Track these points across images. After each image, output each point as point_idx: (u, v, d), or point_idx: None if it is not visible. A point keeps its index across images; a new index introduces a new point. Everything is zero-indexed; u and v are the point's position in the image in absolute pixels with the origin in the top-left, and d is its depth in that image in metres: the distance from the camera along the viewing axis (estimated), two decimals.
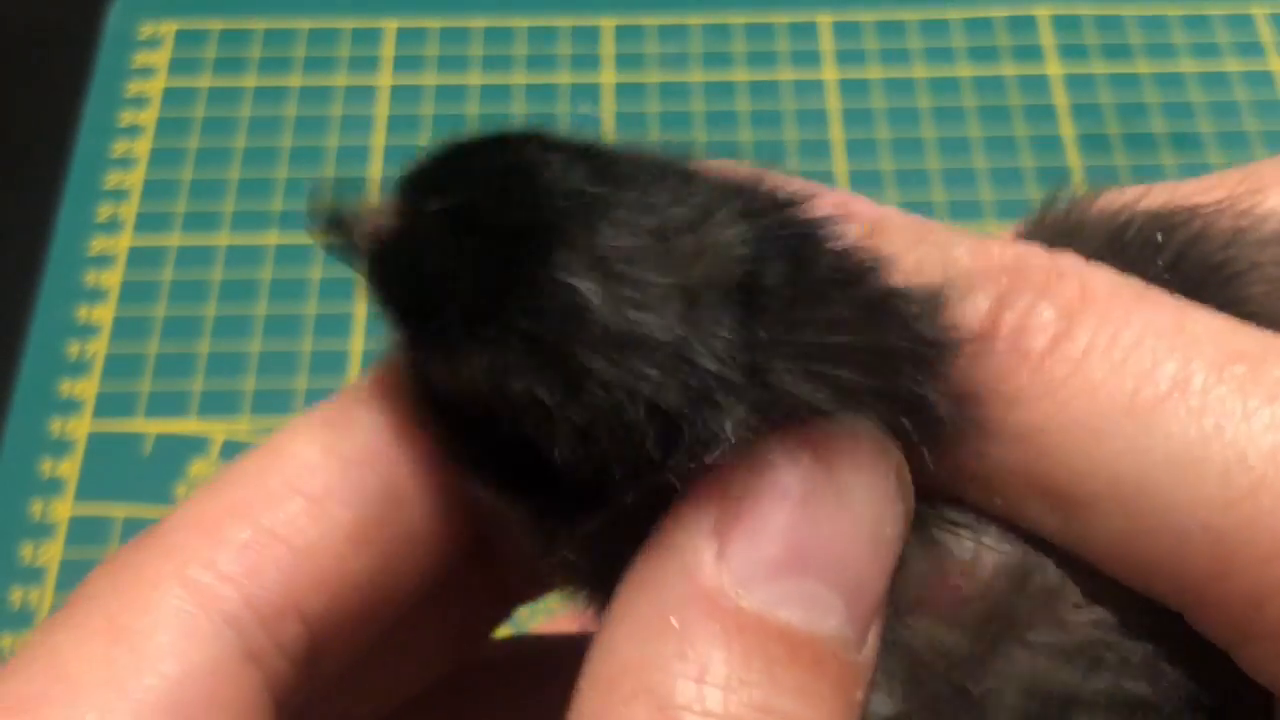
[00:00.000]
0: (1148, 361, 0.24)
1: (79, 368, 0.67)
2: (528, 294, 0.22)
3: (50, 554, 0.62)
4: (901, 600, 0.25)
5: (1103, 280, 0.25)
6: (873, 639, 0.24)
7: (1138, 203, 0.28)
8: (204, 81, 0.78)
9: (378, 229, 0.24)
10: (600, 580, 0.25)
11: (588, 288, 0.22)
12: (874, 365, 0.23)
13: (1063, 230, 0.28)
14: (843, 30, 0.80)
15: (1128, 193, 0.28)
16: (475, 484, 0.26)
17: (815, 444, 0.23)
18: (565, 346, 0.22)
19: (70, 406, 0.66)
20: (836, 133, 0.75)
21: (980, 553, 0.25)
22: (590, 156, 0.24)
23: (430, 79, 0.78)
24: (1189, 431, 0.23)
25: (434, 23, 0.80)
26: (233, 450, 0.65)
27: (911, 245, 0.26)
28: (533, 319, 0.22)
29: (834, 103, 0.77)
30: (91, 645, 0.25)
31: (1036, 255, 0.26)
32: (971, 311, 0.25)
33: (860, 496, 0.23)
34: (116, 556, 0.26)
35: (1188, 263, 0.27)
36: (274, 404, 0.66)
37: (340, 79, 0.78)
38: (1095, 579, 0.25)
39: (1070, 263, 0.26)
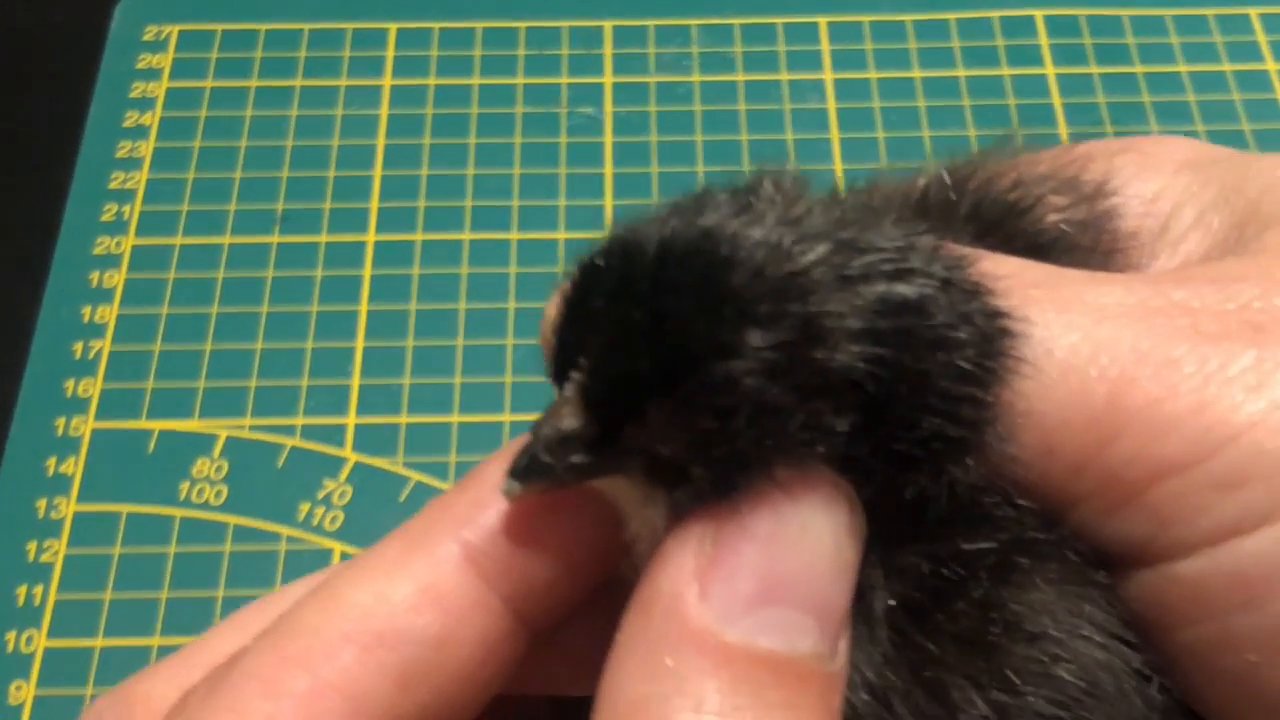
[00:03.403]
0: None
1: (84, 367, 0.68)
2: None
3: (55, 551, 0.62)
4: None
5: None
6: (843, 648, 0.27)
7: (932, 171, 0.33)
8: (208, 82, 0.79)
9: None
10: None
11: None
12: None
13: (872, 207, 0.32)
14: (841, 31, 0.80)
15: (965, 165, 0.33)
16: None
17: (775, 489, 0.26)
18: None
19: (75, 405, 0.67)
20: (834, 133, 0.76)
21: None
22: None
23: (431, 80, 0.79)
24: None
25: (435, 24, 0.81)
26: (236, 449, 0.65)
27: None
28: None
29: (832, 103, 0.77)
30: None
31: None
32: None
33: (818, 529, 0.26)
34: (185, 709, 0.29)
35: (984, 207, 0.32)
36: (277, 402, 0.67)
37: (342, 80, 0.79)
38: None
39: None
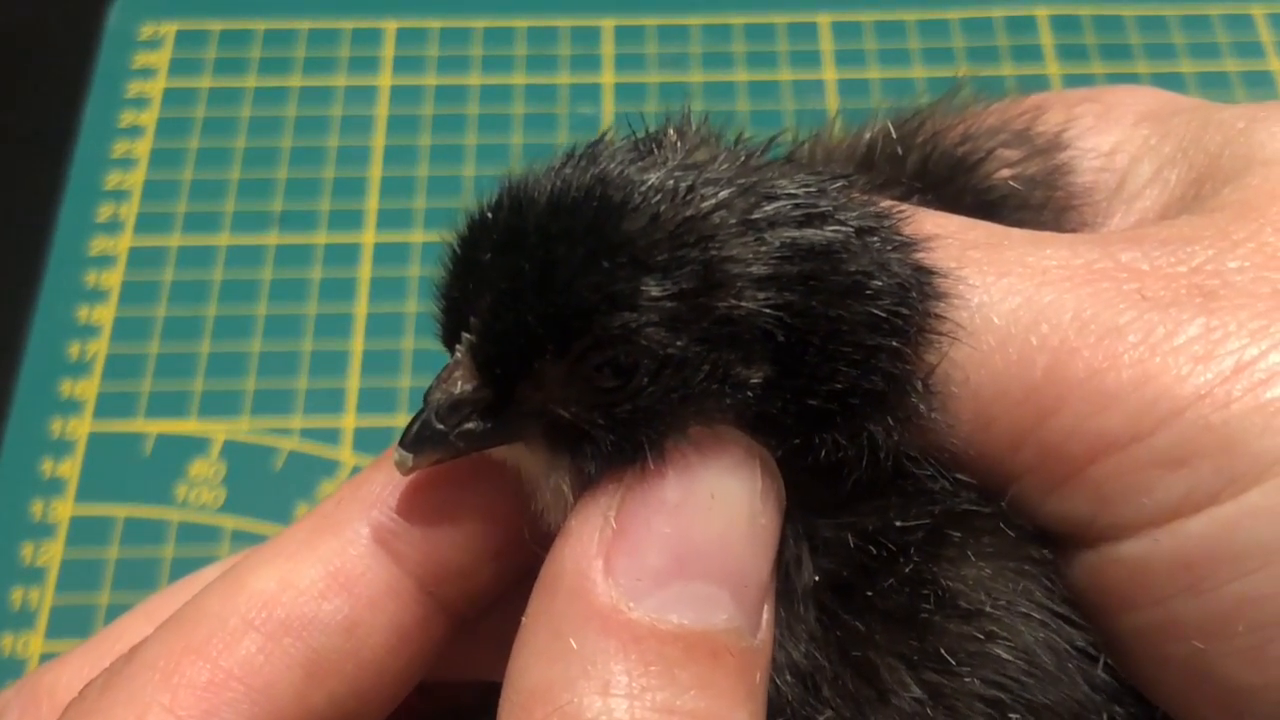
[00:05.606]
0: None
1: (80, 368, 0.67)
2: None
3: (51, 554, 0.62)
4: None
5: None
6: (767, 620, 0.25)
7: (875, 126, 0.32)
8: (204, 82, 0.78)
9: None
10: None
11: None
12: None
13: (815, 162, 0.30)
14: (842, 30, 0.80)
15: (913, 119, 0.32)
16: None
17: (682, 454, 0.25)
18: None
19: (71, 407, 0.66)
20: None
21: None
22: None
23: (430, 79, 0.78)
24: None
25: (434, 23, 0.80)
26: (233, 451, 0.65)
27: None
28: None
29: (834, 103, 0.77)
30: None
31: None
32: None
33: (731, 495, 0.25)
34: (83, 702, 0.27)
35: (933, 163, 0.31)
36: (274, 404, 0.66)
37: (340, 79, 0.78)
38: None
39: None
